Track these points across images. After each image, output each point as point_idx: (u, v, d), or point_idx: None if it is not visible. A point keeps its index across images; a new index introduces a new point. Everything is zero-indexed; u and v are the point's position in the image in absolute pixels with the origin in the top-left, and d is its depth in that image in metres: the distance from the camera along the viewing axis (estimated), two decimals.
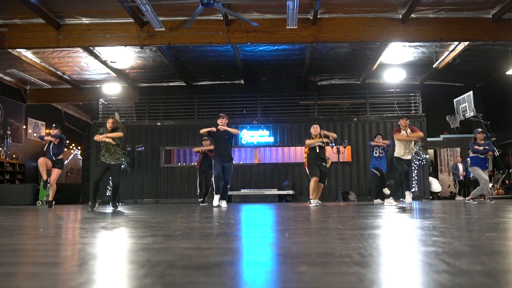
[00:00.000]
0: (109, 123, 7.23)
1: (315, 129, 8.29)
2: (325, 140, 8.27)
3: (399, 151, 7.68)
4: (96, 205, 7.37)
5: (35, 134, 15.08)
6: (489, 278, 1.17)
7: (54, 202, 8.70)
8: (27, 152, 14.51)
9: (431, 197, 12.54)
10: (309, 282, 1.17)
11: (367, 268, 1.35)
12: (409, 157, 7.70)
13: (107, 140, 7.07)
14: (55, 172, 8.47)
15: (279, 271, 1.31)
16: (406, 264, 1.42)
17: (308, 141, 8.42)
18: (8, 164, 13.82)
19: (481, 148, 8.32)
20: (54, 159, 8.38)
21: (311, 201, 7.98)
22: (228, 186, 7.89)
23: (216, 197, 7.66)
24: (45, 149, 8.49)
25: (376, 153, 9.87)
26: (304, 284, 1.15)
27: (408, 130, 7.60)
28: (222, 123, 7.79)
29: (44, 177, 8.50)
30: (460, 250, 1.70)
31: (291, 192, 12.41)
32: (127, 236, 2.54)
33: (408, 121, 7.70)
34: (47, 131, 15.76)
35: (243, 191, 12.34)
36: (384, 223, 3.21)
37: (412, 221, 3.39)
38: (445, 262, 1.41)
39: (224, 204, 7.65)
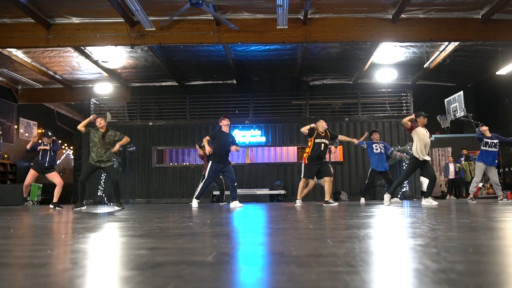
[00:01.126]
0: (101, 123, 7.18)
1: (322, 125, 7.97)
2: (328, 143, 8.05)
3: (419, 148, 7.03)
4: (84, 207, 7.33)
5: (26, 134, 15.04)
6: (415, 277, 1.17)
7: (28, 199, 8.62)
8: (18, 152, 14.46)
9: (422, 196, 12.55)
10: (236, 282, 1.18)
11: (306, 268, 1.35)
12: (428, 158, 7.12)
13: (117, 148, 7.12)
14: (55, 175, 8.44)
15: (216, 271, 1.32)
16: (344, 263, 1.43)
17: (303, 129, 8.09)
18: None
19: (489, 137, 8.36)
20: (46, 165, 8.35)
21: (297, 201, 8.00)
22: (236, 184, 7.73)
23: (196, 201, 7.68)
24: (40, 157, 8.38)
25: (377, 149, 9.61)
26: (231, 284, 1.15)
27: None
28: (227, 123, 7.84)
29: (25, 194, 8.54)
30: (409, 249, 1.71)
31: (282, 192, 12.43)
32: (93, 237, 2.54)
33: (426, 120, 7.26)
34: (39, 131, 15.72)
35: None
36: (357, 224, 3.22)
37: (384, 222, 3.40)
38: (384, 262, 1.42)
39: (237, 204, 7.49)
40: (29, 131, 15.24)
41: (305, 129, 7.97)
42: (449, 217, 3.79)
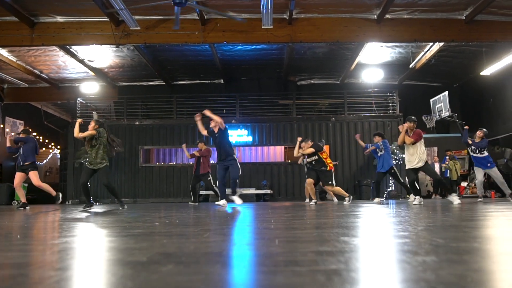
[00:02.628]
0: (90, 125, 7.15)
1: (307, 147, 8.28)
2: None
3: (409, 159, 7.21)
4: (94, 204, 7.40)
5: (12, 133, 14.93)
6: (336, 275, 1.20)
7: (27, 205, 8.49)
8: (4, 151, 14.31)
9: (407, 196, 12.63)
10: (154, 281, 1.19)
11: (227, 269, 1.37)
12: (421, 164, 7.17)
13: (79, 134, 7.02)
14: (32, 174, 8.31)
15: (138, 270, 1.33)
16: (271, 264, 1.45)
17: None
18: None
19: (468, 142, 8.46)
20: (21, 164, 8.27)
21: (312, 201, 8.10)
22: (236, 181, 7.46)
23: (221, 201, 7.38)
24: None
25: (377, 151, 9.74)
26: (150, 284, 1.16)
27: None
28: (212, 125, 7.57)
29: (22, 199, 8.40)
30: (346, 249, 1.73)
31: (269, 191, 12.45)
32: (49, 236, 2.54)
33: (412, 124, 7.28)
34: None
35: None
36: (320, 224, 3.24)
37: (348, 223, 3.43)
38: (312, 261, 1.44)
39: (237, 199, 7.31)
40: (15, 131, 15.12)
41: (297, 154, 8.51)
42: (412, 217, 3.82)
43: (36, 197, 13.29)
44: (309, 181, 8.32)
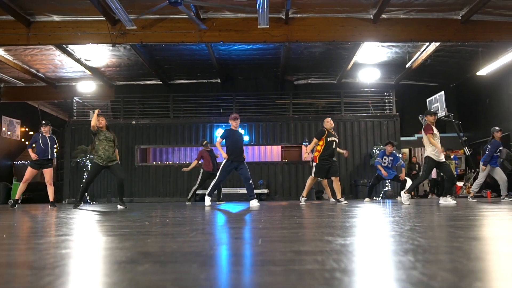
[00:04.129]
0: (101, 123, 7.11)
1: (330, 122, 8.36)
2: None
3: (434, 150, 7.10)
4: (81, 204, 7.41)
5: (9, 133, 14.92)
6: (309, 275, 1.20)
7: (18, 201, 8.44)
8: (1, 150, 14.34)
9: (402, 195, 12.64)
10: (126, 280, 1.19)
11: (205, 268, 1.38)
12: (442, 157, 7.16)
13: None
14: (50, 171, 8.21)
15: (114, 269, 1.33)
16: (252, 262, 1.45)
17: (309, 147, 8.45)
18: None
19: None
20: (50, 157, 8.20)
21: (302, 199, 8.06)
22: (251, 182, 7.48)
23: (208, 199, 7.57)
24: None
25: (384, 162, 9.84)
26: (120, 284, 1.17)
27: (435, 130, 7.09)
28: (236, 125, 7.67)
29: (17, 196, 8.45)
30: (327, 249, 1.74)
31: (265, 191, 12.45)
32: (37, 236, 2.55)
33: (433, 117, 7.24)
34: (22, 129, 15.63)
35: None
36: (308, 223, 3.25)
37: (337, 221, 3.44)
38: (289, 261, 1.44)
39: (255, 203, 7.21)
40: (12, 129, 15.12)
41: (311, 147, 8.29)
42: (397, 217, 3.83)
43: (32, 196, 13.29)
44: (312, 178, 8.30)
